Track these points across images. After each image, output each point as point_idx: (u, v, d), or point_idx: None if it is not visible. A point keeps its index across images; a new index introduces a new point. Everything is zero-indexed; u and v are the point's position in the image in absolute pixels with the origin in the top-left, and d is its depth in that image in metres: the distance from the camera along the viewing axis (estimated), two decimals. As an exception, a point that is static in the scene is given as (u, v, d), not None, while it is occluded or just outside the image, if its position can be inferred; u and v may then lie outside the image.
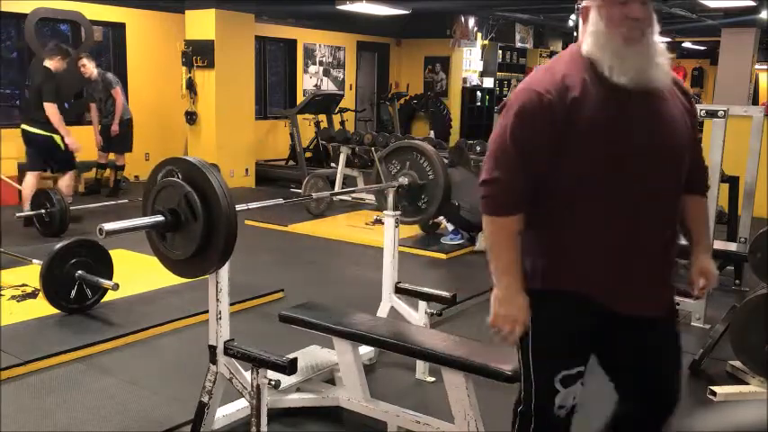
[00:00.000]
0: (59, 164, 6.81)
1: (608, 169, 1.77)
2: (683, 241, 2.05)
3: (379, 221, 6.92)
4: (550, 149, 1.78)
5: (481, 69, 14.39)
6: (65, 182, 6.85)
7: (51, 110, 6.37)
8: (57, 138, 6.51)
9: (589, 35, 1.83)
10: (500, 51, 14.74)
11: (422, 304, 3.50)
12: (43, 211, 6.24)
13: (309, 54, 12.16)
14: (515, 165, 1.81)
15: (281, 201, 3.07)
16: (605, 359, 2.01)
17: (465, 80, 14.00)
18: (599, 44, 1.80)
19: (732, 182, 5.58)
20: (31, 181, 6.70)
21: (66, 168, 6.84)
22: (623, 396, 2.03)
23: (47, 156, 6.67)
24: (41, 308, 4.22)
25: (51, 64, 6.55)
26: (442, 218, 6.38)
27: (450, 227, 6.43)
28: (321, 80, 12.41)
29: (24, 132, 6.61)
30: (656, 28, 1.83)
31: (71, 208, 6.36)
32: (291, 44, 11.90)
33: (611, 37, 1.78)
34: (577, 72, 1.80)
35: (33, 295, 4.52)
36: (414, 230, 6.49)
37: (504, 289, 1.86)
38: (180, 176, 2.39)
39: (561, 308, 1.89)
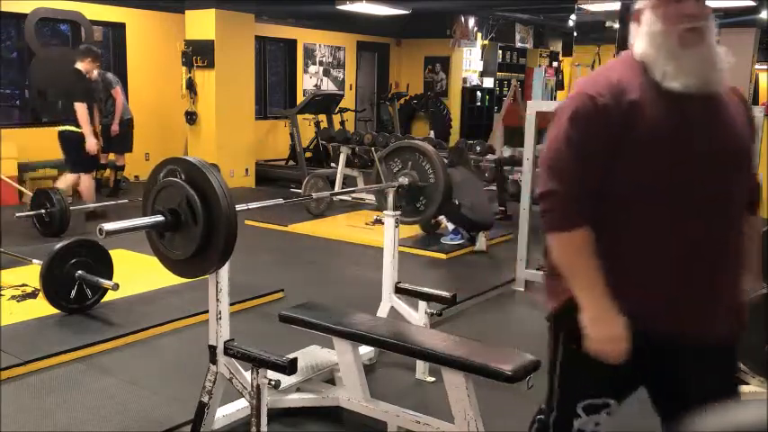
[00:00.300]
0: (84, 163, 6.88)
1: (668, 175, 1.68)
2: None
3: (379, 221, 6.92)
4: (607, 154, 1.69)
5: (481, 69, 14.39)
6: (85, 184, 6.91)
7: (81, 110, 6.53)
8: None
9: (643, 36, 1.76)
10: (500, 51, 14.74)
11: (422, 304, 3.50)
12: (43, 211, 6.24)
13: (309, 54, 12.16)
14: (573, 173, 1.70)
15: (281, 201, 3.07)
16: (655, 388, 1.87)
17: (465, 80, 14.00)
18: (655, 44, 1.72)
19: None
20: (71, 180, 6.88)
21: (90, 168, 6.95)
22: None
23: (77, 154, 6.77)
24: (41, 308, 4.22)
25: (82, 66, 6.68)
26: (442, 217, 6.38)
27: (451, 226, 6.43)
28: (321, 80, 12.41)
29: (61, 133, 6.73)
30: (714, 31, 1.75)
31: (71, 208, 6.37)
32: (291, 44, 11.90)
33: (667, 36, 1.71)
34: (633, 75, 1.73)
35: (33, 295, 4.52)
36: (414, 230, 6.49)
37: (594, 308, 1.72)
38: (180, 177, 2.39)
39: None
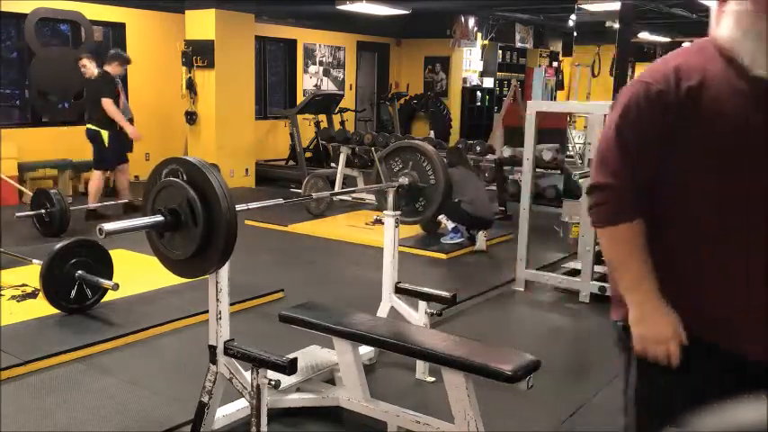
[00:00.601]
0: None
1: (747, 167, 1.52)
2: None
3: (379, 221, 6.92)
4: (663, 143, 1.56)
5: (481, 69, 14.39)
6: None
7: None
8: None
9: (729, 16, 1.57)
10: (500, 51, 14.74)
11: (422, 304, 3.50)
12: (43, 211, 6.25)
13: (309, 54, 12.16)
14: (624, 165, 1.60)
15: (281, 201, 3.07)
16: None
17: (465, 80, 14.00)
18: (742, 26, 1.54)
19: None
20: (117, 178, 7.46)
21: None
22: None
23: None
24: (41, 308, 4.22)
25: (110, 69, 7.20)
26: (442, 216, 6.38)
27: (450, 225, 6.43)
28: (321, 80, 12.41)
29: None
30: None
31: (71, 208, 6.37)
32: (291, 44, 11.90)
33: (756, 19, 1.52)
34: (699, 60, 1.57)
35: (33, 295, 4.52)
36: (414, 230, 6.49)
37: (638, 307, 1.62)
38: (180, 177, 2.39)
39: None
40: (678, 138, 1.55)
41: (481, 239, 6.30)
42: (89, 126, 7.12)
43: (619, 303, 1.71)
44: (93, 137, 7.08)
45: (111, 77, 7.13)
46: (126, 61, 7.45)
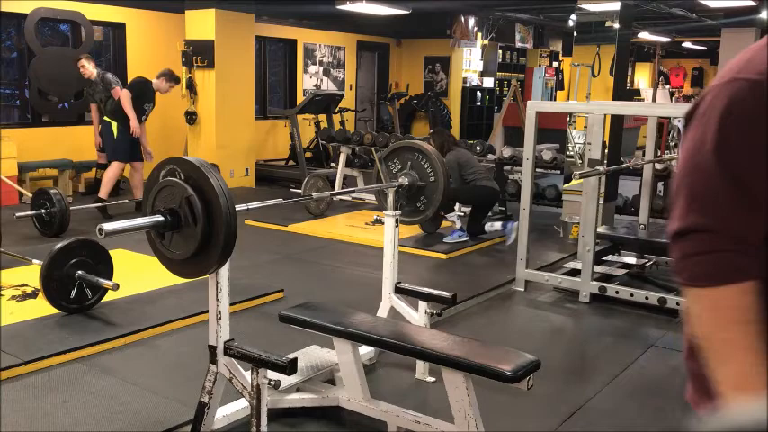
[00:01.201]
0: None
1: None
2: None
3: (379, 221, 6.92)
4: None
5: (481, 69, 14.40)
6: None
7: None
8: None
9: None
10: (500, 51, 14.75)
11: (422, 304, 3.50)
12: (43, 211, 6.25)
13: (309, 54, 12.16)
14: (730, 201, 1.10)
15: (281, 201, 3.07)
16: None
17: (465, 80, 14.01)
18: None
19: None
20: (131, 176, 7.61)
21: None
22: None
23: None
24: (41, 308, 4.22)
25: (157, 81, 7.57)
26: (452, 215, 6.41)
27: (459, 224, 6.43)
28: (321, 80, 12.41)
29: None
30: None
31: (71, 208, 6.37)
32: (291, 44, 11.91)
33: None
34: None
35: (33, 295, 4.52)
36: (414, 230, 6.49)
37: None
38: (180, 177, 2.40)
39: None
40: None
41: (496, 228, 6.44)
42: (104, 118, 7.43)
43: (705, 391, 1.16)
44: (105, 128, 7.33)
45: (150, 87, 7.48)
46: (175, 80, 7.73)
